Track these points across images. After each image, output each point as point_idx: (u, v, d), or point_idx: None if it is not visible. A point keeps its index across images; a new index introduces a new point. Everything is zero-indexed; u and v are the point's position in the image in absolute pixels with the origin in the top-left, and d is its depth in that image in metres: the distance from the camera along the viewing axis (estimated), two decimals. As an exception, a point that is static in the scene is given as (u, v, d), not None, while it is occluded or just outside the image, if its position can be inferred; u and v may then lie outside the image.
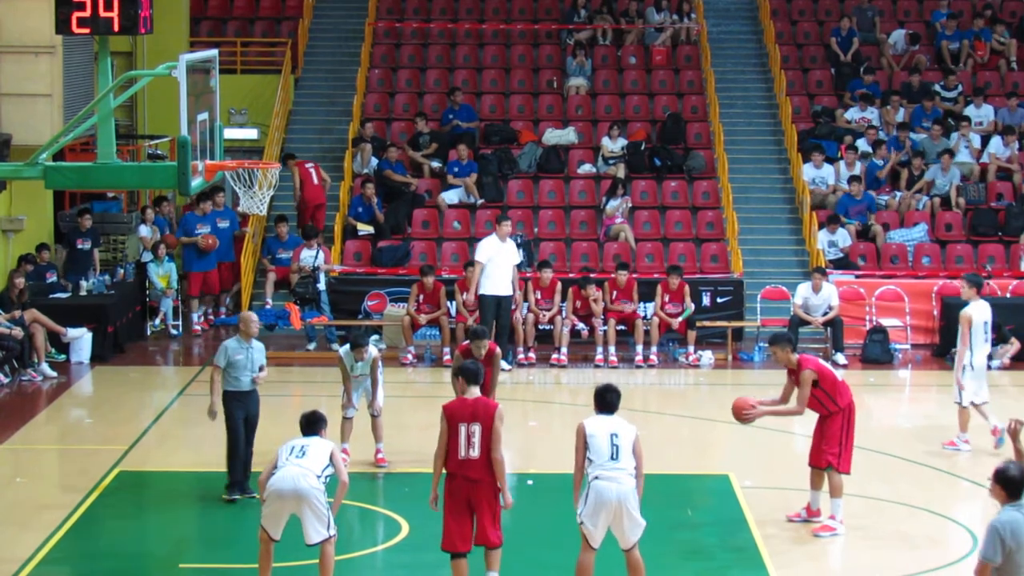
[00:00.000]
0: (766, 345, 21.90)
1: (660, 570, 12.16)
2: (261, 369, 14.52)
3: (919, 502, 14.40)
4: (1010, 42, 28.62)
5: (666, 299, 21.75)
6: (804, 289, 21.91)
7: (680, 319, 21.69)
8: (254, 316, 14.88)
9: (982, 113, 26.65)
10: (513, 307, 21.40)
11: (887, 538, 13.57)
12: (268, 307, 23.12)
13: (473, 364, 11.89)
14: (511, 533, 11.89)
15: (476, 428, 11.25)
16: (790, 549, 13.29)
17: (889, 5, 30.20)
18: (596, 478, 11.26)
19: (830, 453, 13.46)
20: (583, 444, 11.41)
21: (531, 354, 21.55)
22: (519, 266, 22.99)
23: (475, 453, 11.25)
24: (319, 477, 11.47)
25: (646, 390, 20.67)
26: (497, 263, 21.03)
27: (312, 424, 11.88)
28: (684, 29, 29.22)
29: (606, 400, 11.61)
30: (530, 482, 14.82)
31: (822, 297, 21.72)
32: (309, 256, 22.79)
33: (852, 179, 24.97)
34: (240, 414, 14.46)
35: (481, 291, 21.05)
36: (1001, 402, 20.17)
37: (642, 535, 11.40)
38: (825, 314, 21.74)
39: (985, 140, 26.11)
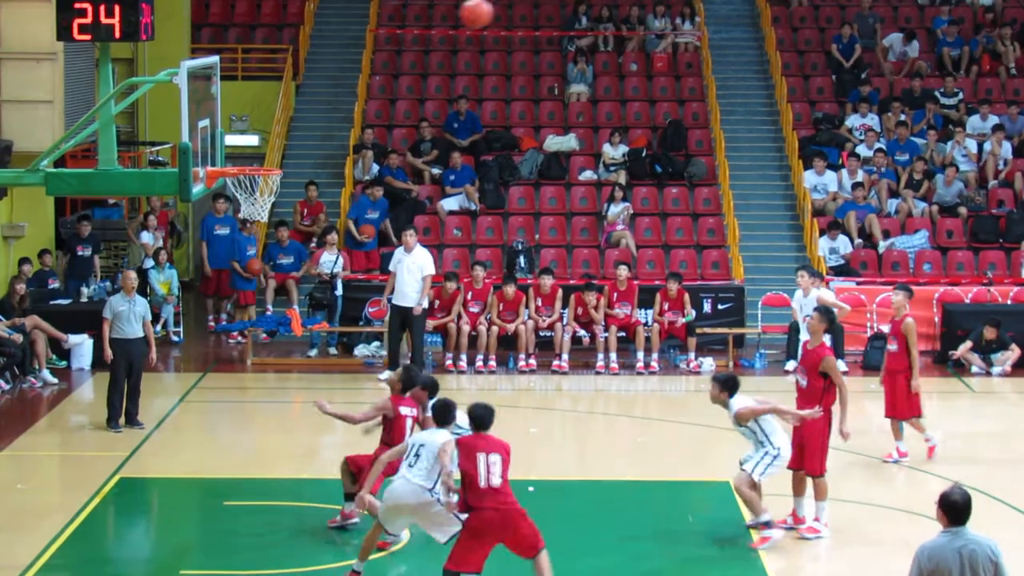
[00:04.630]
0: (767, 351, 22.01)
1: (661, 576, 12.17)
2: (149, 322, 17.35)
3: (920, 508, 14.37)
4: (1010, 48, 28.62)
5: (666, 306, 21.73)
6: (798, 293, 21.77)
7: (681, 322, 21.64)
8: (132, 273, 17.55)
9: (987, 125, 26.61)
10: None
11: (888, 544, 13.55)
12: (269, 313, 23.09)
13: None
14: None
15: (496, 458, 11.13)
16: (790, 555, 13.28)
17: (890, 12, 30.21)
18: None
19: (815, 460, 13.47)
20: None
21: (532, 361, 21.54)
22: (520, 271, 22.98)
23: (496, 482, 11.13)
24: (430, 491, 11.52)
25: (647, 397, 20.69)
26: (399, 275, 20.63)
27: (445, 413, 11.81)
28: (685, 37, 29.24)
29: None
30: (531, 488, 14.78)
31: (811, 301, 21.29)
32: (329, 261, 22.72)
33: (856, 185, 24.96)
34: (123, 358, 17.22)
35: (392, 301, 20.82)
36: (1003, 409, 20.19)
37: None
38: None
39: (982, 145, 26.14)
